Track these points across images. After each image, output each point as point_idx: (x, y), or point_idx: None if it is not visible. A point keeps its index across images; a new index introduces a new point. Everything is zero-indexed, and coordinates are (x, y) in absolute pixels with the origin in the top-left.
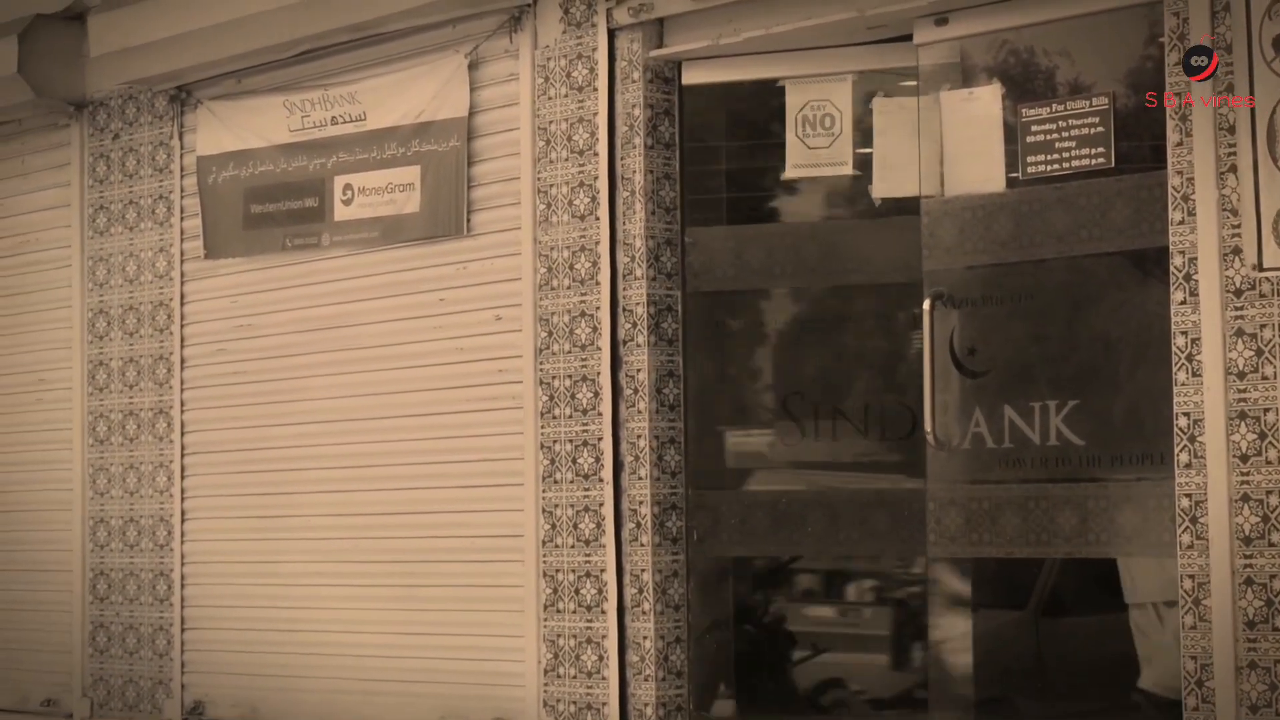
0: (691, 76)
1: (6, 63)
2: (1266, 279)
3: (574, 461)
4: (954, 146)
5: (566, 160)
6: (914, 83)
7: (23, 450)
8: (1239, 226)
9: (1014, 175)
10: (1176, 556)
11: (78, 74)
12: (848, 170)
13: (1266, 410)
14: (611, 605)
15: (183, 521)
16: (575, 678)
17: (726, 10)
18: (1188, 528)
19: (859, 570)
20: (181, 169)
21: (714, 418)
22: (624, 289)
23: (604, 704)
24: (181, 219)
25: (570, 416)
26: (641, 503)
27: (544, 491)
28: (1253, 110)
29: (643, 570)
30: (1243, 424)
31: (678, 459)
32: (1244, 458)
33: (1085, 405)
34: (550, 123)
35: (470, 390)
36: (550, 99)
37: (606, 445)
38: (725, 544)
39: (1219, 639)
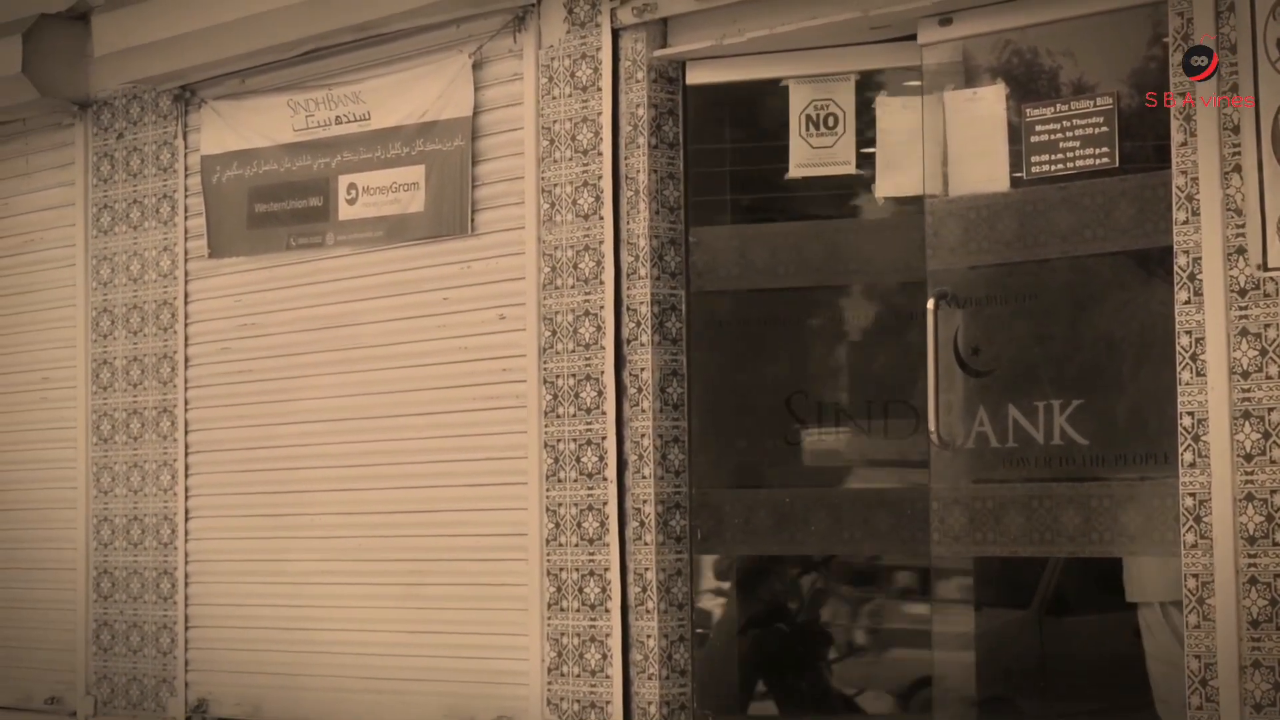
0: (696, 76)
1: (11, 62)
2: (1271, 279)
3: (578, 460)
4: (958, 146)
5: (570, 160)
6: (918, 82)
7: (26, 449)
8: (1243, 226)
9: (1018, 175)
10: (1180, 556)
11: (82, 73)
12: (851, 170)
13: (1270, 410)
14: (615, 604)
15: (186, 520)
16: (579, 676)
17: (730, 10)
18: (1191, 527)
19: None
20: (185, 168)
21: (718, 417)
22: (628, 288)
23: (607, 702)
24: (185, 218)
25: (574, 415)
26: (645, 501)
27: (548, 490)
28: (1257, 110)
29: (646, 569)
30: (1247, 423)
31: (681, 458)
32: (1248, 457)
33: (1089, 405)
34: (554, 122)
35: (474, 389)
36: (554, 99)
37: (610, 444)
38: (729, 543)
39: (1223, 638)
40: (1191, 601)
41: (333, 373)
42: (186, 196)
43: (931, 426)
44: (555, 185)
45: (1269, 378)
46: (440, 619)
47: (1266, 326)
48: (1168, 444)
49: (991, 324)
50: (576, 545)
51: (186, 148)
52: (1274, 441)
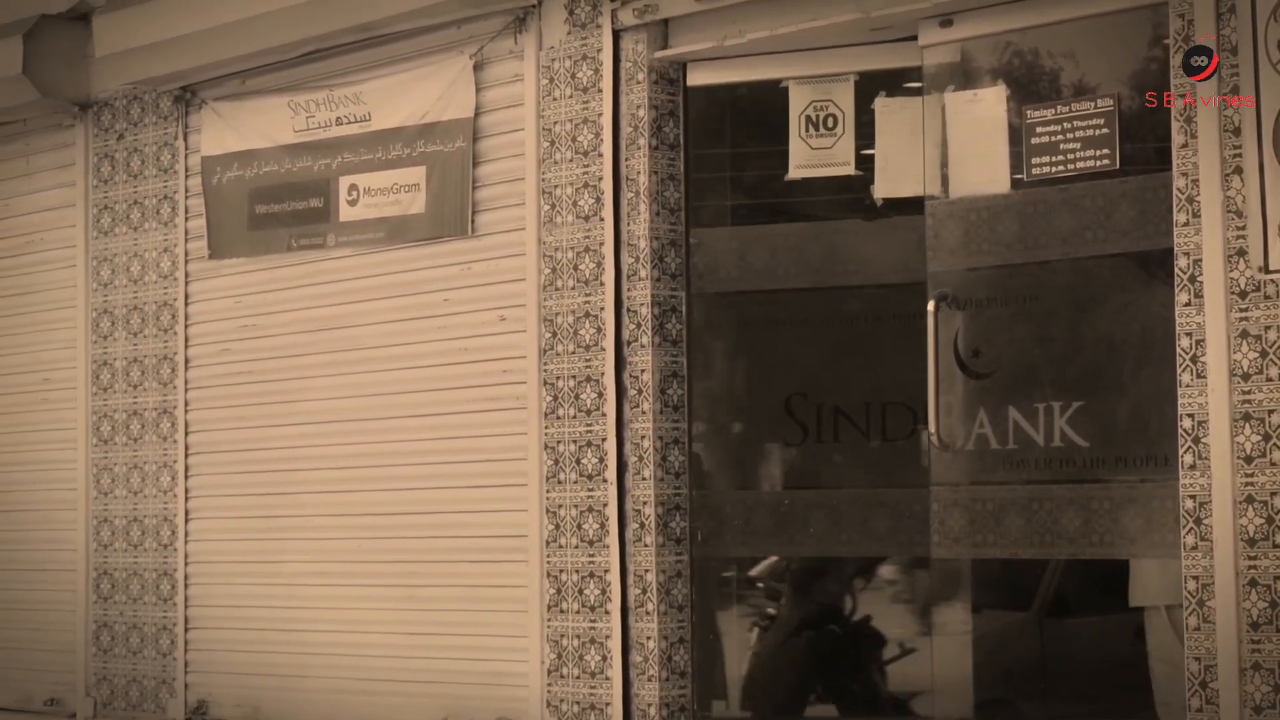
0: (696, 78)
1: (11, 63)
2: (1272, 281)
3: (578, 462)
4: (959, 148)
5: (571, 161)
6: (918, 84)
7: (27, 450)
8: (1244, 228)
9: (1019, 177)
10: (1180, 558)
11: (82, 74)
12: (850, 171)
13: (1271, 412)
14: (615, 606)
15: (186, 521)
16: (579, 678)
17: (731, 11)
18: (1192, 529)
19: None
20: (186, 169)
21: (718, 418)
22: (628, 290)
23: (607, 704)
24: (186, 219)
25: (574, 417)
26: (645, 503)
27: (548, 492)
28: (1258, 112)
29: (646, 571)
30: (1247, 425)
31: (681, 459)
32: (1248, 459)
33: (1089, 406)
34: (555, 124)
35: (474, 391)
36: (555, 100)
37: (610, 446)
38: (729, 544)
39: (1223, 640)
40: (1192, 603)
41: (333, 374)
42: (187, 197)
43: (932, 428)
44: (556, 186)
45: (1269, 380)
46: (440, 620)
47: (1267, 328)
48: (1168, 446)
49: (992, 326)
50: (576, 547)
51: (187, 149)
52: (1274, 444)
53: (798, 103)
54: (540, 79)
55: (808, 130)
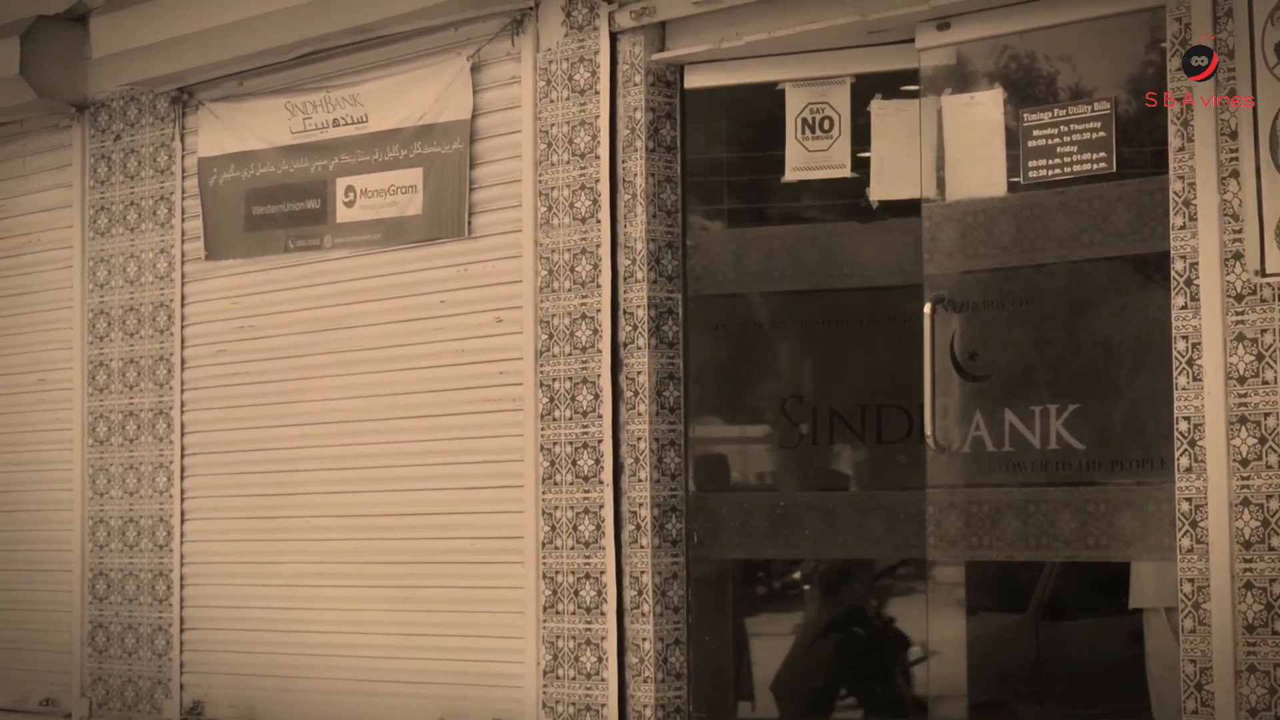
0: (693, 80)
1: (8, 64)
2: (1268, 284)
3: (574, 464)
4: (955, 151)
5: (568, 163)
6: (915, 87)
7: (23, 450)
8: (1240, 232)
9: (1015, 180)
10: (1176, 560)
11: (79, 75)
12: (846, 173)
13: (1267, 415)
14: (611, 607)
15: (182, 522)
16: (574, 679)
17: (728, 14)
18: (1188, 532)
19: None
20: (183, 170)
21: (714, 420)
22: (625, 292)
23: (603, 705)
24: (183, 220)
25: (570, 419)
26: (641, 505)
27: (544, 493)
28: (1255, 115)
29: (642, 572)
30: (1243, 428)
31: (678, 461)
32: (1244, 462)
33: (1086, 409)
34: (552, 125)
35: (471, 392)
36: (552, 102)
37: (606, 447)
38: (724, 546)
39: (1218, 643)
40: (1187, 606)
41: (330, 375)
42: (184, 198)
43: (928, 430)
44: (553, 188)
45: (1265, 383)
46: (436, 621)
47: (1263, 331)
48: (1164, 449)
49: (988, 328)
50: (572, 548)
51: (184, 150)
52: (1270, 447)
53: (794, 105)
54: (537, 81)
55: (804, 133)
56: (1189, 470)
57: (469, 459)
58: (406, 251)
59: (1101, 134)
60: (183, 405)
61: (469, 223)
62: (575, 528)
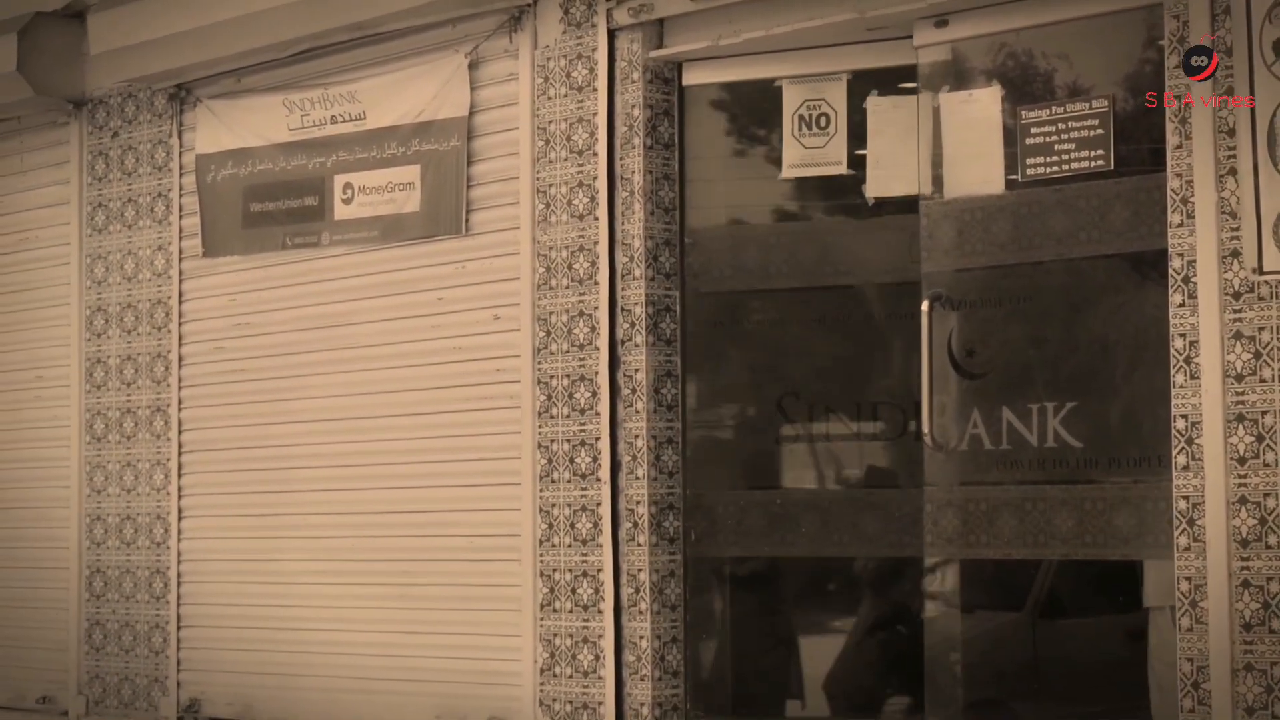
0: (691, 77)
1: (6, 60)
2: (1265, 282)
3: (571, 461)
4: (953, 148)
5: (566, 160)
6: (913, 84)
7: (20, 447)
8: (1238, 229)
9: (1013, 177)
10: (1173, 559)
11: (77, 72)
12: (843, 170)
13: (1264, 413)
14: (608, 605)
15: (179, 519)
16: (571, 677)
17: (726, 11)
18: (1185, 530)
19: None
20: (180, 167)
21: (711, 418)
22: (622, 289)
23: (600, 703)
24: (180, 217)
25: (568, 416)
26: (639, 502)
27: (541, 491)
28: (1253, 113)
29: (639, 570)
30: (1240, 426)
31: (675, 459)
32: (1241, 460)
33: (1083, 407)
34: (550, 123)
35: (468, 389)
36: (550, 99)
37: (604, 445)
38: (721, 544)
39: (1215, 641)
40: (1184, 604)
41: (327, 372)
42: (181, 195)
43: (925, 428)
44: (550, 185)
45: (1263, 381)
46: (433, 619)
47: (1261, 329)
48: (1161, 447)
49: (986, 326)
50: (570, 546)
51: (181, 146)
52: (1267, 445)
53: (791, 102)
54: (535, 78)
55: (801, 129)
56: (1186, 468)
57: (466, 456)
58: (404, 248)
59: (1099, 131)
60: (180, 402)
61: (467, 220)
62: (573, 525)
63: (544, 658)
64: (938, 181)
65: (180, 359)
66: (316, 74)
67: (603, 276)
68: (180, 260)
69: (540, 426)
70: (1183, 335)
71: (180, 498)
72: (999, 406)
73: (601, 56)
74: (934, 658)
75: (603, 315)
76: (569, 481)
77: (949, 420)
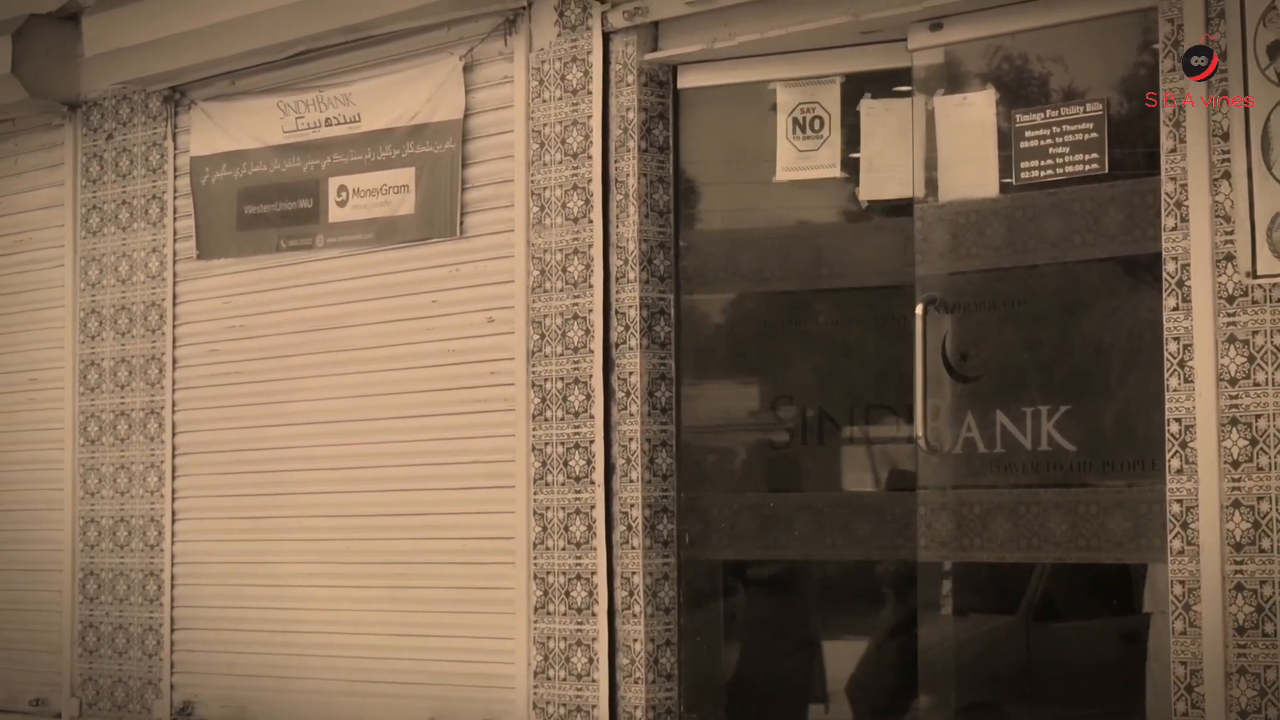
0: (686, 80)
1: (1, 62)
2: (1259, 286)
3: (565, 464)
4: (948, 151)
5: (560, 163)
6: (907, 87)
7: (14, 450)
8: (1232, 233)
9: (1007, 181)
10: (1167, 563)
11: (72, 74)
12: (836, 173)
13: (1258, 417)
14: (602, 608)
15: (173, 522)
16: (565, 680)
17: (721, 14)
18: (1178, 534)
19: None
20: (175, 169)
21: (705, 421)
22: (617, 292)
23: (594, 706)
24: (174, 219)
25: (562, 419)
26: (633, 505)
27: (535, 494)
28: (1247, 116)
29: (633, 573)
30: (1234, 430)
31: (669, 462)
32: (1235, 464)
33: (1077, 411)
34: (544, 125)
35: (462, 392)
36: (545, 102)
37: (598, 448)
38: (715, 547)
39: (1209, 645)
40: (1178, 608)
41: (321, 375)
42: (175, 198)
43: (919, 432)
44: (545, 188)
45: (1257, 385)
46: (426, 622)
47: (1254, 333)
48: (1155, 450)
49: (980, 329)
50: (563, 549)
51: (176, 149)
52: (1261, 449)
53: (785, 105)
54: (530, 81)
55: (795, 133)
56: (1180, 472)
57: (460, 459)
58: (398, 251)
59: (1094, 135)
60: (174, 405)
61: (461, 222)
62: (566, 528)
63: (537, 660)
64: (932, 185)
65: (174, 361)
66: (311, 76)
67: (597, 279)
68: (174, 263)
69: (534, 429)
70: (1177, 339)
71: (174, 500)
72: (993, 410)
73: (596, 59)
74: (927, 661)
75: (597, 318)
76: (563, 484)
77: (943, 423)
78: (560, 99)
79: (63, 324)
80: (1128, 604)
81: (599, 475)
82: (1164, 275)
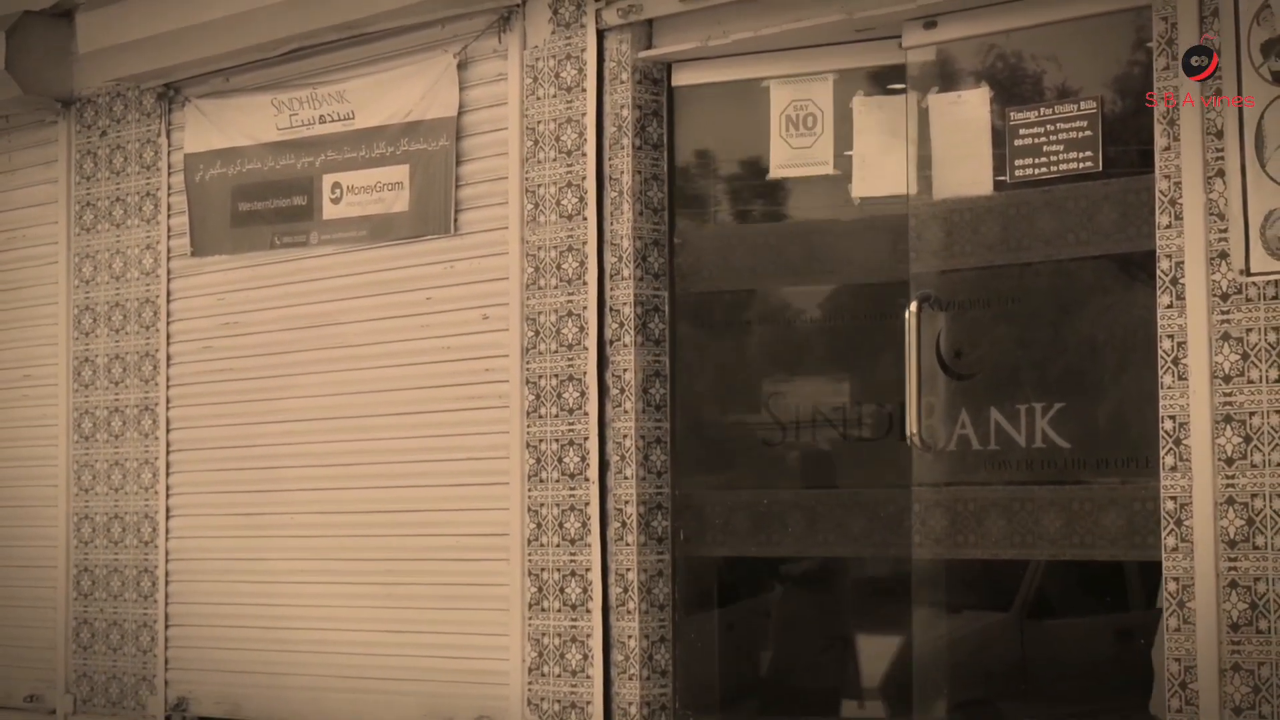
0: (680, 77)
1: None
2: (1253, 283)
3: (560, 461)
4: (942, 149)
5: (554, 160)
6: (901, 85)
7: (8, 446)
8: (1226, 231)
9: (1001, 178)
10: (1161, 559)
11: (66, 71)
12: (829, 170)
13: (1252, 414)
14: (596, 604)
15: (167, 518)
16: (560, 676)
17: (715, 12)
18: (1172, 531)
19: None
20: (169, 166)
21: (700, 418)
22: (611, 289)
23: (588, 703)
24: (168, 216)
25: (556, 416)
26: (627, 502)
27: (530, 490)
28: (1240, 114)
29: (628, 569)
30: (1228, 427)
31: (664, 459)
32: (1229, 461)
33: (1071, 408)
34: (538, 123)
35: (456, 389)
36: (539, 99)
37: (592, 445)
38: (710, 544)
39: (1203, 642)
40: (1172, 605)
41: (315, 372)
42: (170, 195)
43: (912, 429)
44: (539, 185)
45: (1250, 382)
46: (421, 618)
47: (1248, 331)
48: (1149, 448)
49: (974, 327)
50: (558, 545)
51: (170, 146)
52: (1255, 446)
53: (779, 102)
54: (524, 78)
55: (788, 130)
56: (1174, 469)
57: (455, 456)
58: (393, 248)
59: (1088, 133)
60: (168, 401)
61: (455, 220)
62: (561, 525)
63: (532, 657)
64: (926, 182)
65: (168, 358)
66: (305, 74)
67: (591, 276)
68: (168, 259)
69: (529, 426)
70: (1171, 336)
71: (168, 497)
72: (987, 407)
73: (590, 57)
74: (921, 658)
75: (591, 315)
76: (557, 481)
77: (937, 421)
78: (554, 96)
79: (57, 321)
80: (1123, 601)
81: (593, 472)
82: (1158, 273)
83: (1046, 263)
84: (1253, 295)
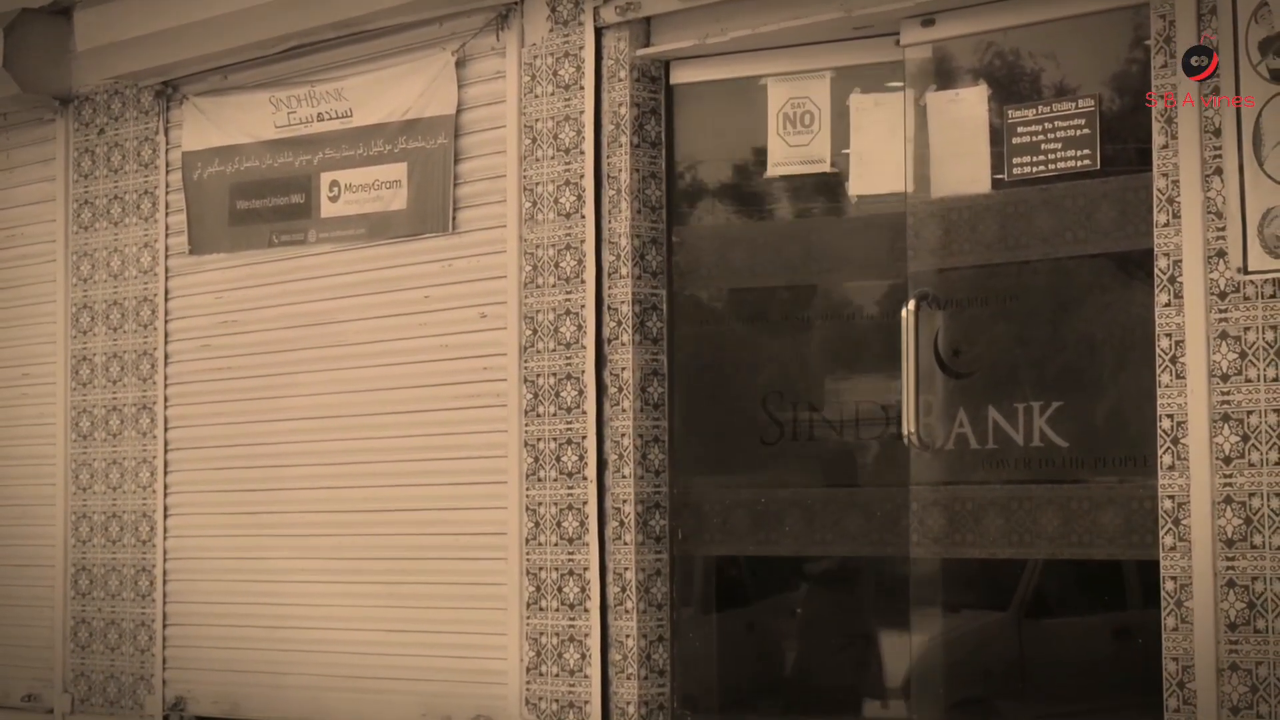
0: (679, 75)
1: None
2: (1251, 282)
3: (558, 459)
4: (940, 147)
5: (553, 158)
6: (898, 83)
7: (5, 445)
8: (1224, 229)
9: (999, 177)
10: (1159, 559)
11: (63, 69)
12: (826, 168)
13: (1250, 413)
14: (594, 603)
15: (165, 517)
16: (557, 676)
17: (714, 9)
18: (1170, 530)
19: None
20: (167, 164)
21: (698, 416)
22: (609, 287)
23: (586, 702)
24: (166, 214)
25: (554, 414)
26: (625, 501)
27: (527, 489)
28: (1238, 112)
29: (626, 569)
30: (1226, 426)
31: (661, 457)
32: (1227, 460)
33: (1069, 407)
34: (537, 121)
35: (455, 388)
36: (537, 97)
37: (590, 443)
38: (708, 543)
39: (1200, 641)
40: (1170, 604)
41: (313, 370)
42: (168, 193)
43: (910, 428)
44: (537, 184)
45: (1248, 380)
46: (419, 618)
47: (1246, 329)
48: (1147, 446)
49: (972, 326)
50: (556, 544)
51: (168, 144)
52: (1253, 445)
53: (776, 100)
54: (522, 76)
55: (785, 127)
56: (1172, 468)
57: (453, 454)
58: (391, 246)
59: (1086, 131)
60: (166, 400)
61: (453, 218)
62: (559, 524)
63: (530, 656)
64: (923, 180)
65: (166, 356)
66: (303, 71)
67: (589, 275)
68: (166, 257)
69: (527, 425)
70: (1168, 335)
71: (166, 495)
72: (985, 406)
73: (589, 55)
74: (919, 657)
75: (589, 314)
76: (555, 480)
77: (935, 419)
78: (553, 94)
79: (54, 319)
80: (1120, 600)
81: (591, 471)
82: (1156, 271)
83: (1044, 261)
84: (1250, 294)
